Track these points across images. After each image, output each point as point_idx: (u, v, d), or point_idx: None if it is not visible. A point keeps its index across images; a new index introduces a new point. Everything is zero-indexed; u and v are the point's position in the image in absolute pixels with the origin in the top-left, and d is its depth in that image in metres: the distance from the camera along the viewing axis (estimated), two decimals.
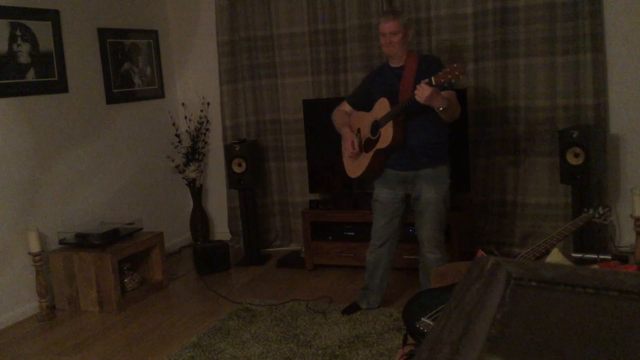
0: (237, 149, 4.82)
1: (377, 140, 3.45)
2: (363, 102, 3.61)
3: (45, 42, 4.23)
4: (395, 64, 3.48)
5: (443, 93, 3.23)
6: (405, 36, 3.44)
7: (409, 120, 3.36)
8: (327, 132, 4.08)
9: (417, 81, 3.25)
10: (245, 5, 5.05)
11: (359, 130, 3.63)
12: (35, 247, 3.93)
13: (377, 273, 3.70)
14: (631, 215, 3.92)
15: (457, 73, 3.07)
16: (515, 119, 4.43)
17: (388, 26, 3.39)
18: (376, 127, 3.46)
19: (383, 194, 3.55)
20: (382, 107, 3.41)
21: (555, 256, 2.63)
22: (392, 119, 3.34)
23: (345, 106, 3.73)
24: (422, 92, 3.11)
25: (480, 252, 2.75)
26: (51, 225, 4.23)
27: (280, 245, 5.28)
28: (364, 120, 3.57)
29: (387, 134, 3.37)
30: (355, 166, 3.62)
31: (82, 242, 4.15)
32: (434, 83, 3.11)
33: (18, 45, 4.05)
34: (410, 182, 3.46)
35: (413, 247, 4.33)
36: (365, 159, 3.52)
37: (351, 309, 3.73)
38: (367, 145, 3.54)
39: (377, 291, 3.73)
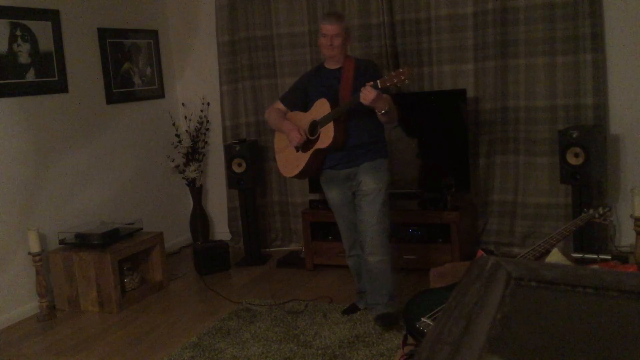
0: (237, 149, 4.82)
1: (315, 140, 3.43)
2: (298, 102, 3.59)
3: (45, 42, 4.23)
4: (332, 65, 3.47)
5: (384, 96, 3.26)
6: (346, 40, 3.45)
7: (349, 121, 3.36)
8: None
9: (356, 84, 3.31)
10: (245, 5, 5.05)
11: None
12: (35, 247, 3.93)
13: (363, 275, 3.64)
14: (631, 215, 3.91)
15: (402, 77, 3.11)
16: (515, 119, 4.43)
17: (331, 28, 3.37)
18: (314, 127, 3.44)
19: (333, 195, 3.54)
20: (321, 107, 3.40)
21: (555, 256, 2.63)
22: (332, 120, 3.33)
23: (280, 105, 3.67)
24: (368, 95, 3.12)
25: (480, 252, 2.75)
26: (51, 225, 4.23)
27: (280, 245, 5.28)
28: (301, 120, 3.52)
29: (327, 134, 3.36)
30: (291, 165, 3.58)
31: (82, 242, 4.15)
32: (379, 86, 3.14)
33: (18, 45, 4.05)
34: (353, 179, 3.44)
35: (413, 247, 4.34)
36: (303, 159, 3.49)
37: (351, 310, 3.73)
38: (304, 145, 3.51)
39: None
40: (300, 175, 3.57)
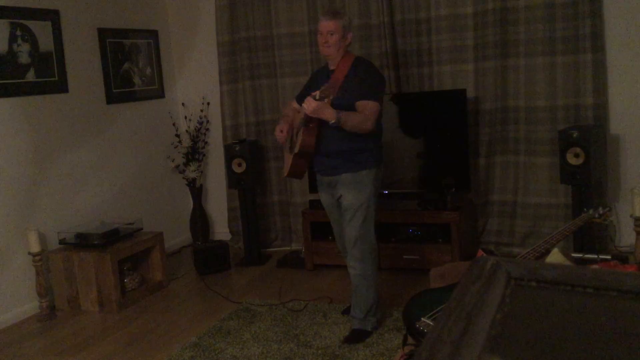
0: (237, 149, 4.82)
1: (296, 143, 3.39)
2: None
3: (45, 42, 4.23)
4: (331, 65, 3.37)
5: (359, 104, 3.17)
6: (343, 38, 3.29)
7: (328, 127, 3.18)
8: None
9: (343, 86, 3.21)
10: (245, 5, 5.05)
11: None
12: (35, 247, 3.93)
13: None
14: (631, 215, 3.92)
15: (331, 89, 3.04)
16: (515, 119, 4.43)
17: (326, 25, 3.26)
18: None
19: (323, 198, 3.50)
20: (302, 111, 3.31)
21: (555, 256, 2.63)
22: (302, 126, 3.23)
23: (294, 104, 3.63)
24: (308, 106, 3.06)
25: (480, 252, 2.75)
26: (51, 225, 4.23)
27: (280, 245, 5.28)
28: (298, 119, 3.46)
29: (300, 138, 3.28)
30: (286, 165, 3.56)
31: (82, 242, 4.15)
32: (317, 97, 3.04)
33: (18, 45, 4.05)
34: (333, 187, 3.36)
35: (413, 247, 4.34)
36: (289, 161, 3.47)
37: (346, 311, 3.68)
38: (291, 146, 3.48)
39: None
40: (289, 176, 3.53)
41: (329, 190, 3.42)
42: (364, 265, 3.33)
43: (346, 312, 3.69)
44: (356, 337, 3.35)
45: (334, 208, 3.47)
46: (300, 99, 3.54)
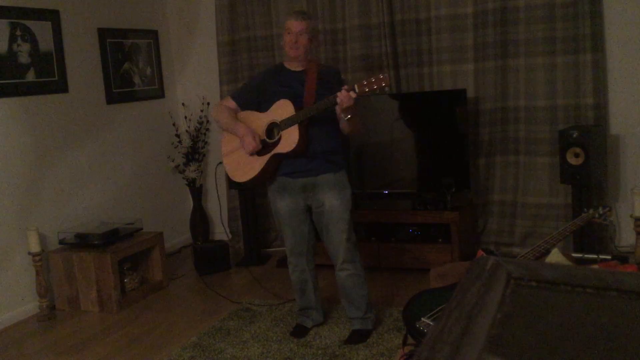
0: None
1: (274, 144, 3.20)
2: (251, 102, 3.33)
3: (45, 42, 4.23)
4: (295, 67, 3.27)
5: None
6: (312, 40, 3.26)
7: (311, 127, 3.17)
8: None
9: (319, 90, 3.16)
10: (245, 5, 5.05)
11: None
12: (35, 247, 3.93)
13: (308, 289, 3.48)
14: (631, 215, 3.92)
15: (382, 84, 2.97)
16: (515, 119, 4.43)
17: (297, 24, 3.17)
18: (272, 129, 3.22)
19: (283, 204, 3.30)
20: (284, 109, 3.17)
21: (555, 256, 2.63)
22: (297, 123, 3.12)
23: (230, 102, 3.37)
24: (346, 99, 2.97)
25: (480, 252, 2.75)
26: (51, 225, 4.23)
27: (280, 245, 5.27)
28: (256, 121, 3.27)
29: (290, 138, 3.13)
30: (242, 170, 3.30)
31: (82, 242, 4.15)
32: (357, 91, 2.99)
33: (18, 45, 4.05)
34: (310, 191, 3.24)
35: (413, 247, 4.34)
36: (258, 163, 3.23)
37: (299, 332, 3.47)
38: (260, 148, 3.26)
39: (317, 307, 3.53)
40: (253, 181, 3.29)
41: (298, 195, 3.25)
42: (355, 264, 3.32)
43: (294, 334, 3.46)
44: (359, 337, 3.33)
45: (297, 215, 3.29)
46: (241, 100, 3.35)
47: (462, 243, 4.23)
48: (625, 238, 4.30)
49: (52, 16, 4.27)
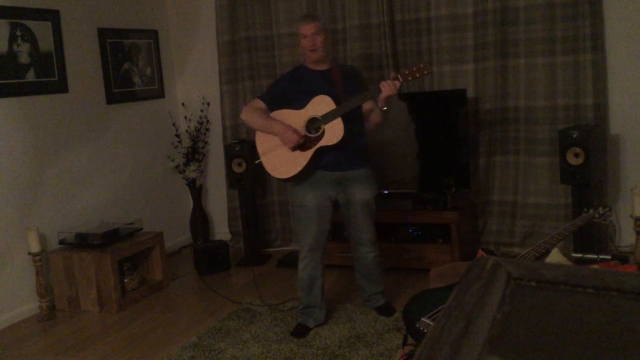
0: (237, 149, 4.82)
1: (318, 138, 3.30)
2: (279, 102, 3.43)
3: (45, 42, 4.23)
4: (319, 67, 3.39)
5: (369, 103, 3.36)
6: (327, 39, 3.38)
7: (344, 124, 3.29)
8: None
9: (345, 85, 3.34)
10: (245, 5, 5.05)
11: None
12: (35, 247, 3.93)
13: (316, 288, 3.50)
14: (631, 215, 3.92)
15: (425, 72, 3.19)
16: (515, 119, 4.43)
17: (309, 27, 3.30)
18: (312, 124, 3.32)
19: (310, 198, 3.38)
20: (324, 104, 3.28)
21: (555, 256, 2.63)
22: (340, 116, 3.25)
23: (260, 104, 3.45)
24: (393, 88, 3.16)
25: (480, 252, 2.75)
26: (51, 225, 4.23)
27: (280, 245, 5.28)
28: (293, 118, 3.36)
29: (335, 131, 3.26)
30: (287, 166, 3.38)
31: (82, 242, 4.15)
32: (401, 79, 3.18)
33: (18, 45, 4.05)
34: (344, 184, 3.40)
35: (413, 247, 4.34)
36: (303, 158, 3.34)
37: (300, 332, 3.48)
38: (302, 144, 3.35)
39: (321, 305, 3.54)
40: (297, 176, 3.37)
41: (331, 189, 3.39)
42: (377, 247, 3.62)
43: (296, 334, 3.46)
44: (388, 310, 3.63)
45: (323, 209, 3.41)
46: (270, 101, 3.43)
47: (462, 243, 4.23)
48: (625, 238, 4.30)
49: (52, 16, 4.27)
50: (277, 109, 3.42)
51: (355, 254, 3.62)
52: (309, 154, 3.33)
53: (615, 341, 0.66)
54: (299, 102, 3.36)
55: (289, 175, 3.39)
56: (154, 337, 3.65)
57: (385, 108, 3.27)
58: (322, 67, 3.40)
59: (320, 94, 3.31)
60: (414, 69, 3.18)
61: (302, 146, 3.34)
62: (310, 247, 3.44)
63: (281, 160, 3.39)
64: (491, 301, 0.70)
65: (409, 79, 3.21)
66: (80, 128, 4.52)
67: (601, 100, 4.19)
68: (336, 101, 3.28)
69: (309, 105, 3.33)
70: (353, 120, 3.33)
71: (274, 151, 3.41)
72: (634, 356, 0.63)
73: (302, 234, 3.48)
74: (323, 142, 3.30)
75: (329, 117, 3.28)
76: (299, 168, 3.34)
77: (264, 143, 3.45)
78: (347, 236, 3.68)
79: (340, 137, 3.26)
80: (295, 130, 3.30)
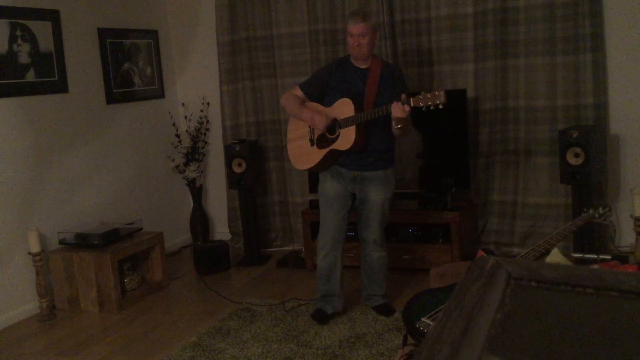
0: (237, 149, 4.82)
1: (334, 140, 3.42)
2: (316, 92, 3.52)
3: (45, 42, 4.23)
4: (360, 64, 3.45)
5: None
6: (373, 39, 3.40)
7: (369, 126, 3.37)
8: None
9: (381, 87, 3.36)
10: (245, 5, 5.05)
11: None
12: (35, 247, 3.93)
13: (335, 277, 3.58)
14: (631, 215, 3.92)
15: (437, 101, 3.09)
16: (515, 119, 4.43)
17: (357, 28, 3.33)
18: (334, 126, 3.42)
19: (332, 186, 3.50)
20: (345, 108, 3.36)
21: (555, 256, 2.63)
22: (355, 125, 3.32)
23: (298, 91, 3.56)
24: (400, 112, 3.13)
25: (480, 252, 2.75)
26: (51, 225, 4.23)
27: (280, 245, 5.28)
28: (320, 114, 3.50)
29: (348, 137, 3.35)
30: (302, 159, 3.57)
31: (82, 242, 4.15)
32: (412, 105, 3.14)
33: (18, 45, 4.05)
34: (359, 183, 3.47)
35: (413, 247, 4.34)
36: (317, 155, 3.47)
37: (321, 317, 3.58)
38: (320, 140, 3.47)
39: (339, 294, 3.63)
40: (311, 170, 3.61)
41: (348, 183, 3.48)
42: (383, 248, 3.64)
43: (315, 317, 3.58)
44: (387, 310, 3.62)
45: (341, 198, 3.50)
46: (308, 90, 3.54)
47: (462, 243, 4.23)
48: (625, 238, 4.30)
49: (52, 16, 4.27)
50: (313, 99, 3.53)
51: (363, 251, 3.68)
52: (322, 153, 3.46)
53: (615, 341, 0.66)
54: (330, 96, 3.45)
55: (303, 168, 3.62)
56: (154, 337, 3.65)
57: (398, 126, 3.24)
58: (364, 65, 3.44)
59: (352, 92, 3.39)
60: (429, 95, 3.11)
61: (320, 143, 3.47)
62: (330, 236, 3.54)
63: (300, 152, 3.58)
64: (491, 301, 0.70)
65: (420, 104, 3.12)
66: (80, 128, 4.52)
67: (601, 100, 4.19)
68: (360, 104, 3.34)
69: (334, 106, 3.43)
70: (379, 124, 3.37)
71: (296, 142, 3.60)
72: (634, 356, 0.63)
73: (322, 220, 3.58)
74: (335, 146, 3.41)
75: (346, 122, 3.36)
76: (312, 164, 3.51)
77: (294, 130, 3.62)
78: (358, 234, 3.70)
79: (349, 145, 3.34)
80: (324, 115, 3.41)
